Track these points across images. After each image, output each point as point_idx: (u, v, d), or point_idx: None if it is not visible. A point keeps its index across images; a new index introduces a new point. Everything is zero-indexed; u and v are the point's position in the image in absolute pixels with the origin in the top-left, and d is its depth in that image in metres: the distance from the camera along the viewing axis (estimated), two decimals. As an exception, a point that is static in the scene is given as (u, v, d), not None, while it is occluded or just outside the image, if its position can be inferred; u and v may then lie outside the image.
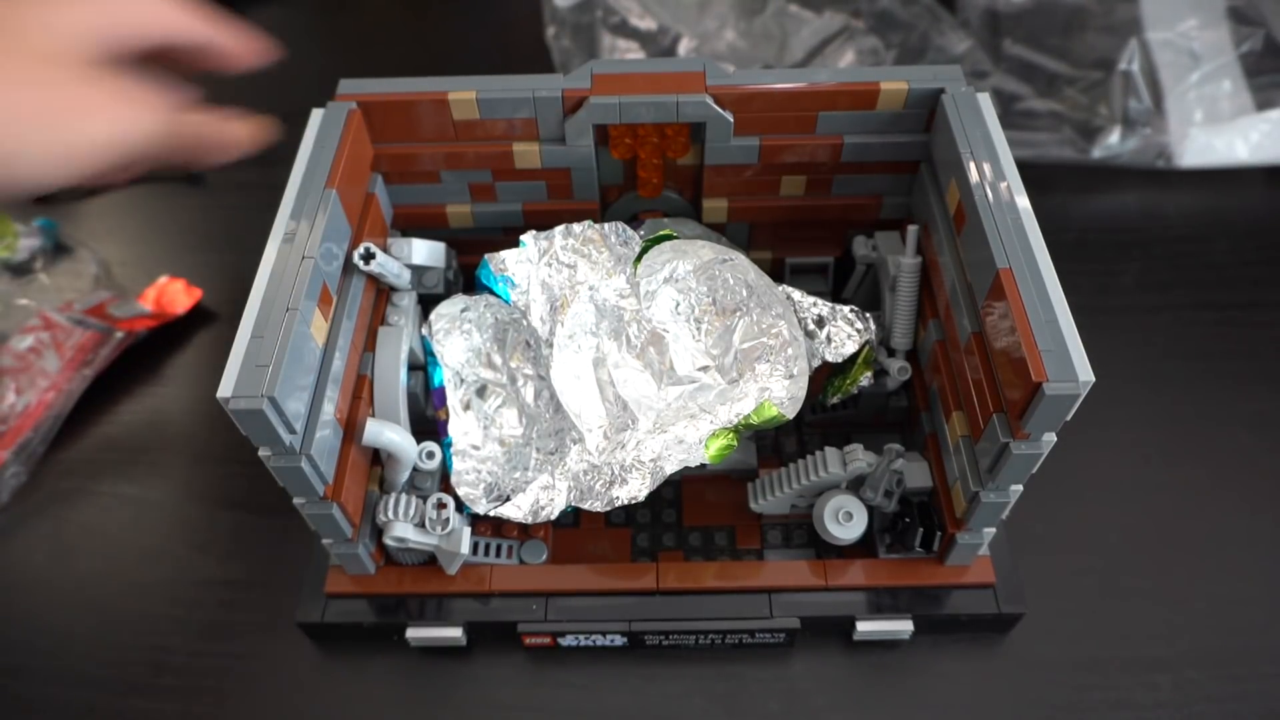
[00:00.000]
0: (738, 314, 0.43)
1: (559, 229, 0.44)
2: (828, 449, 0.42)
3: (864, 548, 0.43)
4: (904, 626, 0.42)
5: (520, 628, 0.42)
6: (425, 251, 0.45)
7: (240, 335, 0.33)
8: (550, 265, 0.44)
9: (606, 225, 0.44)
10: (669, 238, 0.44)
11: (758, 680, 0.43)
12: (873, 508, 0.42)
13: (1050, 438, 0.33)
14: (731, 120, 0.42)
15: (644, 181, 0.46)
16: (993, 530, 0.39)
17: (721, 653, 0.43)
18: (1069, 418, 0.32)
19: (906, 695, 0.43)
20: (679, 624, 0.42)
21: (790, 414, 0.41)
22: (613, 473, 0.41)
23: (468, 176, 0.46)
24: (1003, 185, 0.36)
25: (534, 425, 0.43)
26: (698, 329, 0.43)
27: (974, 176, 0.37)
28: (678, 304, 0.43)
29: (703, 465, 0.41)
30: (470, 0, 0.83)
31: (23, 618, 0.46)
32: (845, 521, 0.42)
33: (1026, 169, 0.59)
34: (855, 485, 0.43)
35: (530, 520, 0.41)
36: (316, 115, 0.41)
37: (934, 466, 0.42)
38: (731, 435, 0.41)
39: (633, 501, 0.40)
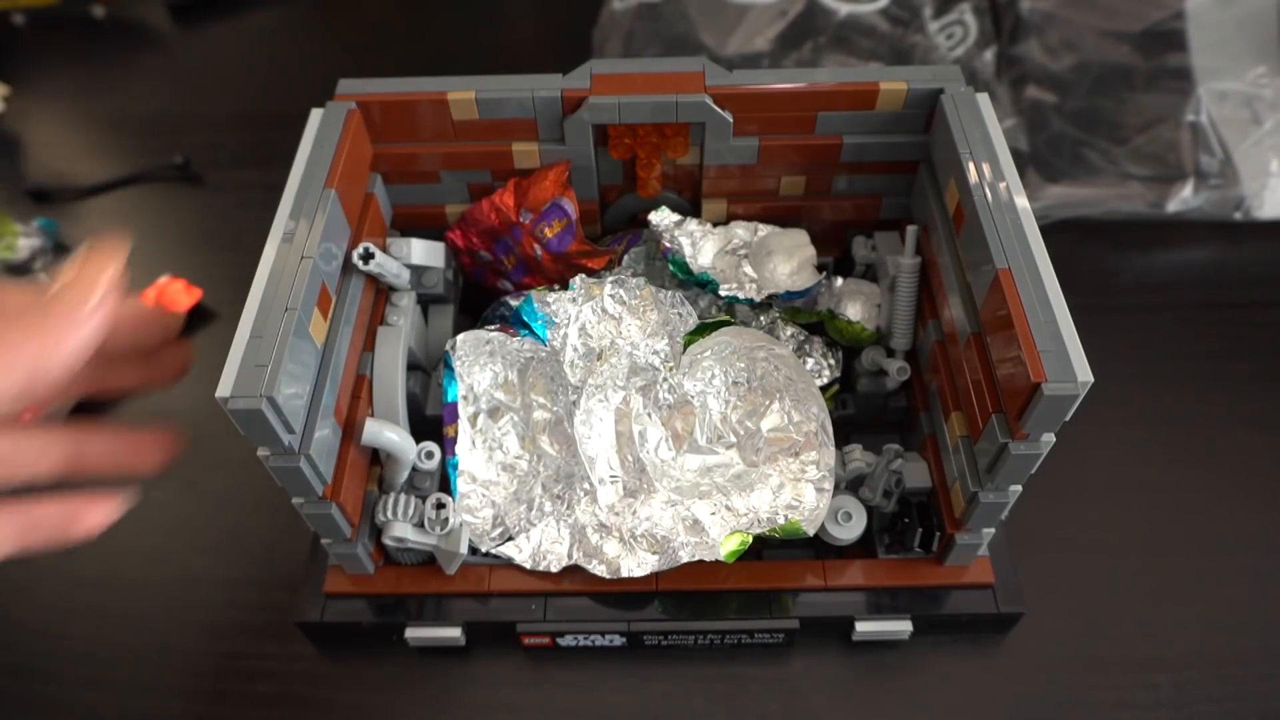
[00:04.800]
0: (770, 400, 0.43)
1: (610, 278, 0.44)
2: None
3: (863, 548, 0.43)
4: (903, 627, 0.42)
5: (519, 628, 0.42)
6: (425, 251, 0.45)
7: (239, 335, 0.33)
8: (595, 312, 0.44)
9: (662, 292, 0.45)
10: (728, 323, 0.44)
11: (758, 680, 0.43)
12: (872, 508, 0.42)
13: (1049, 438, 0.33)
14: (731, 120, 0.42)
15: (643, 182, 0.46)
16: (992, 530, 0.39)
17: (721, 653, 0.43)
18: (1068, 418, 0.32)
19: (906, 695, 0.43)
20: (678, 624, 0.42)
21: (811, 531, 0.40)
22: (622, 539, 0.41)
23: (467, 176, 0.46)
24: (1002, 185, 0.36)
25: (542, 460, 0.43)
26: (727, 404, 0.43)
27: (973, 177, 0.37)
28: (713, 375, 0.43)
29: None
30: (470, 0, 0.83)
31: (23, 618, 0.46)
32: (844, 522, 0.42)
33: (1100, 226, 0.59)
34: (854, 485, 0.43)
35: (530, 566, 0.41)
36: (316, 115, 0.41)
37: (933, 467, 0.42)
38: (748, 536, 0.40)
39: (640, 574, 0.40)
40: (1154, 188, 0.60)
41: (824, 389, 0.45)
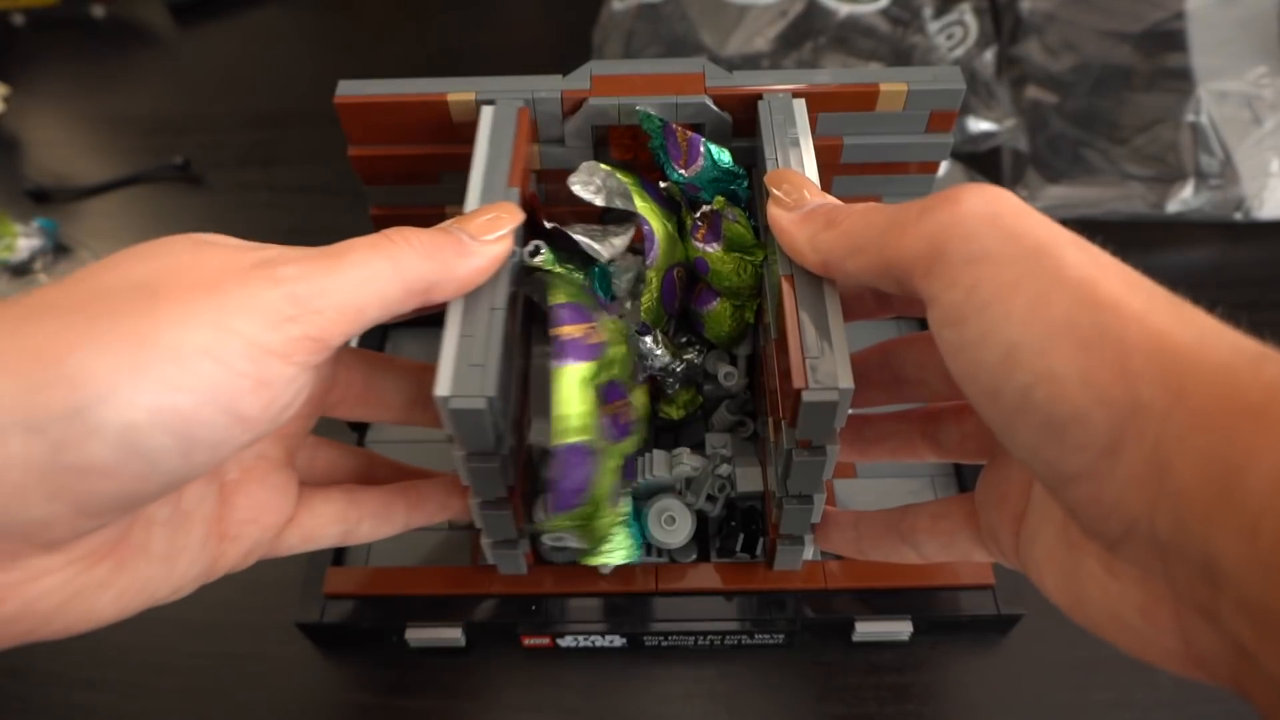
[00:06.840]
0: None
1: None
2: (655, 451, 0.42)
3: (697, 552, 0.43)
4: (903, 627, 0.42)
5: (519, 628, 0.42)
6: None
7: (449, 334, 0.31)
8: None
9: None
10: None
11: (758, 680, 0.43)
12: (699, 511, 0.42)
13: (834, 448, 0.32)
14: (731, 121, 0.42)
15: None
16: (812, 536, 0.38)
17: (721, 653, 0.43)
18: (838, 426, 0.31)
19: (906, 695, 0.43)
20: (678, 624, 0.42)
21: None
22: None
23: (467, 178, 0.46)
24: None
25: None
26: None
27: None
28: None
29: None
30: (470, 0, 0.83)
31: (23, 618, 0.47)
32: (669, 526, 0.41)
33: (1100, 226, 0.59)
34: (685, 489, 0.42)
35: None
36: (487, 113, 0.40)
37: (764, 472, 0.41)
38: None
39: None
40: (1154, 188, 0.60)
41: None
